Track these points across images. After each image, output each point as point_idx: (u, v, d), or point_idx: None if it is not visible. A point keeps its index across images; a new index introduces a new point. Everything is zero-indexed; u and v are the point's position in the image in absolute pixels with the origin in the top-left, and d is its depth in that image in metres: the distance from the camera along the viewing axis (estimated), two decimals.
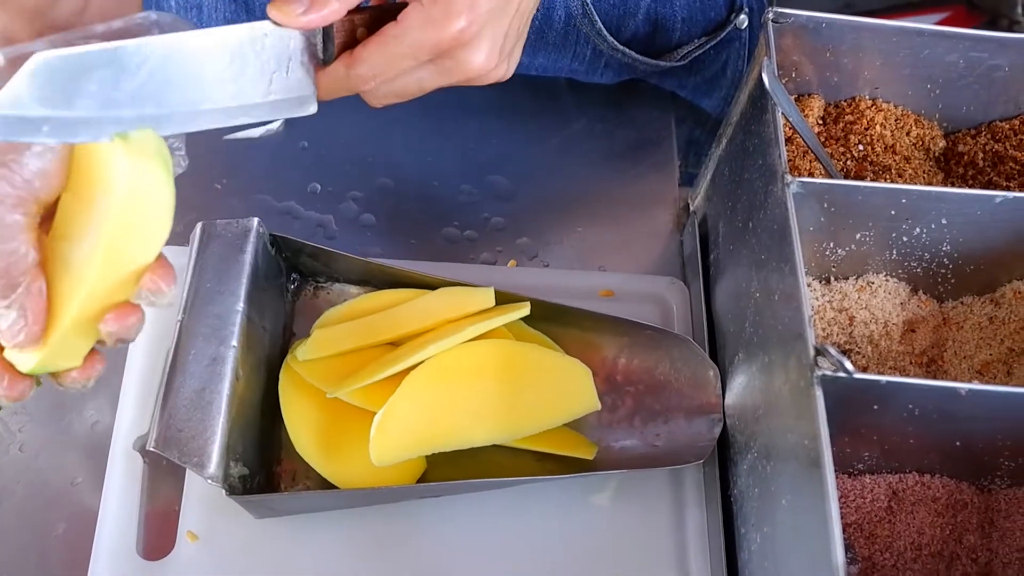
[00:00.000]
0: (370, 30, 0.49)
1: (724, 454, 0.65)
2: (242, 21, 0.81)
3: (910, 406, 0.54)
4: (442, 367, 0.60)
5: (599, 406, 0.63)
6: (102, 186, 0.41)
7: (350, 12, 0.47)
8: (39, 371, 0.44)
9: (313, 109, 0.49)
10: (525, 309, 0.64)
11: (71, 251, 0.43)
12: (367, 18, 0.49)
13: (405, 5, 0.49)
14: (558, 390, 0.63)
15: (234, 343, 0.57)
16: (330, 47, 0.48)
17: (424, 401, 0.59)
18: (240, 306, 0.58)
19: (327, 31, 0.48)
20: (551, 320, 0.65)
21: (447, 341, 0.59)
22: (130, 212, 0.42)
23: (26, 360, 0.44)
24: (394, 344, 0.63)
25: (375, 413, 0.57)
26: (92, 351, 0.46)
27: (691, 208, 0.78)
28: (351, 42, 0.49)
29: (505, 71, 0.53)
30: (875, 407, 0.54)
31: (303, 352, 0.62)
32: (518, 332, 0.65)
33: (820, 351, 0.50)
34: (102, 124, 0.41)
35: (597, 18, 0.77)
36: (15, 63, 0.38)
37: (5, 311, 0.41)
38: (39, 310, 0.42)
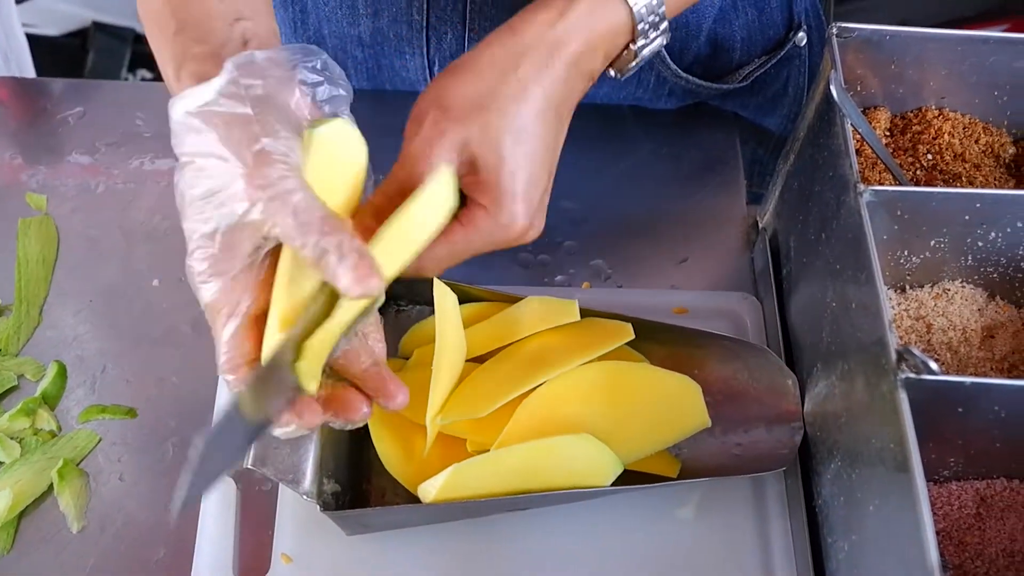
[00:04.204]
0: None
1: (806, 465, 0.65)
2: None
3: (996, 408, 0.54)
4: (553, 394, 0.61)
5: (709, 423, 0.64)
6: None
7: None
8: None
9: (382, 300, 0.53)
10: (629, 334, 0.65)
11: None
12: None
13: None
14: (669, 409, 0.63)
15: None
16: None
17: (538, 432, 0.60)
18: None
19: None
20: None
21: (555, 373, 0.61)
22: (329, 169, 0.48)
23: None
24: (478, 360, 0.65)
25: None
26: (309, 402, 0.49)
27: (760, 225, 0.78)
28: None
29: (544, 224, 0.56)
30: (960, 410, 0.54)
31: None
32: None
33: (902, 354, 0.51)
34: None
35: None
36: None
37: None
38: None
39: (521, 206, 0.52)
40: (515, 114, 0.51)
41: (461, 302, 0.66)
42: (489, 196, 0.52)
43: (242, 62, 0.47)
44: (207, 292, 0.47)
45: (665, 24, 0.56)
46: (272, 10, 0.54)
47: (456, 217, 0.53)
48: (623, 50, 0.56)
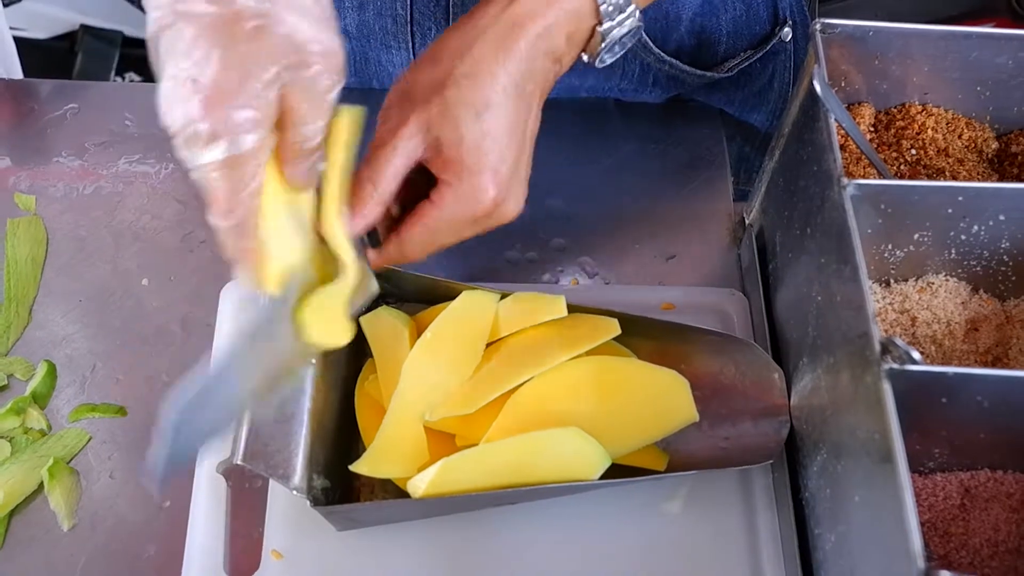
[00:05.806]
0: (402, 202, 0.56)
1: (793, 458, 0.65)
2: None
3: (978, 398, 0.54)
4: (541, 390, 0.62)
5: (697, 417, 0.64)
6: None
7: None
8: None
9: (375, 286, 0.57)
10: (615, 329, 0.65)
11: None
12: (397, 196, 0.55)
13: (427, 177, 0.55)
14: (657, 404, 0.64)
15: (312, 360, 0.59)
16: (375, 235, 0.56)
17: (526, 427, 0.60)
18: None
19: None
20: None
21: (543, 368, 0.62)
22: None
23: None
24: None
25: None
26: None
27: (747, 221, 0.79)
28: (387, 218, 0.56)
29: (524, 200, 0.57)
30: (943, 400, 0.54)
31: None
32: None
33: (886, 345, 0.51)
34: None
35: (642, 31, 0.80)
36: None
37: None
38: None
39: (486, 178, 0.53)
40: (470, 88, 0.52)
41: (446, 299, 0.66)
42: (452, 171, 0.53)
43: None
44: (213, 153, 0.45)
45: (633, 7, 0.56)
46: None
47: (427, 196, 0.54)
48: (591, 33, 0.56)
